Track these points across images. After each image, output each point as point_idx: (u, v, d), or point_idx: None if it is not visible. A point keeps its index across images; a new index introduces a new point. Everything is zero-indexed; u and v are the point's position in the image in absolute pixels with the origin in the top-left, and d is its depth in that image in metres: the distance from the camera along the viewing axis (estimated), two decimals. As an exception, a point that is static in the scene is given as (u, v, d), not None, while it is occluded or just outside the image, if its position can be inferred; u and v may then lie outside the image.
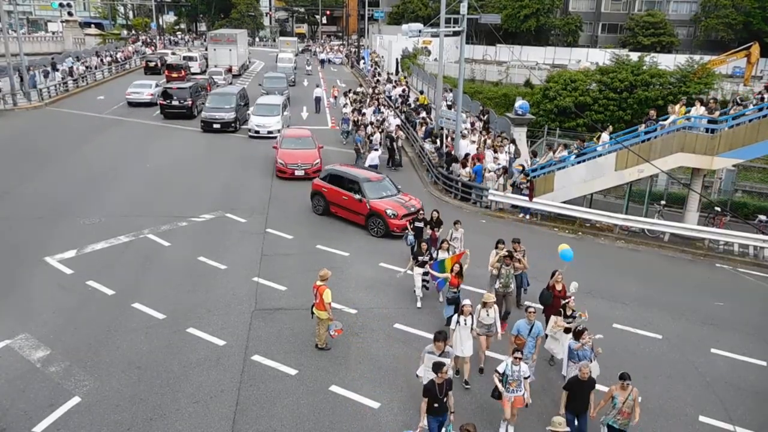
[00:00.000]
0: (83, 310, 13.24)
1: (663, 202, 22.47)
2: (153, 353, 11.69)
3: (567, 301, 11.53)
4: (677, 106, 20.87)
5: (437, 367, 8.88)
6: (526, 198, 20.25)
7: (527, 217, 20.72)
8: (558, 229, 19.96)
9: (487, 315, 11.23)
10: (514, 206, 21.08)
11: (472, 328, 10.92)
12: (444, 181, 23.03)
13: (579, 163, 20.91)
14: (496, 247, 13.64)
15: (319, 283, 11.76)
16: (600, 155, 20.71)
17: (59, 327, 12.50)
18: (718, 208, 22.29)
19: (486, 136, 24.84)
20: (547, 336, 11.56)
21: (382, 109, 32.16)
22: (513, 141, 23.72)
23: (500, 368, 9.65)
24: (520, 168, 21.26)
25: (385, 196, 18.74)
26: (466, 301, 11.08)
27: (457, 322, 10.85)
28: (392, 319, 13.37)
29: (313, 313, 11.88)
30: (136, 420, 9.88)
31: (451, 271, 12.65)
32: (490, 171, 21.73)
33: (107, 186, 22.10)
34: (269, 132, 29.50)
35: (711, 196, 25.67)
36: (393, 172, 25.40)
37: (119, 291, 14.05)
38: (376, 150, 25.02)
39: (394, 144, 26.30)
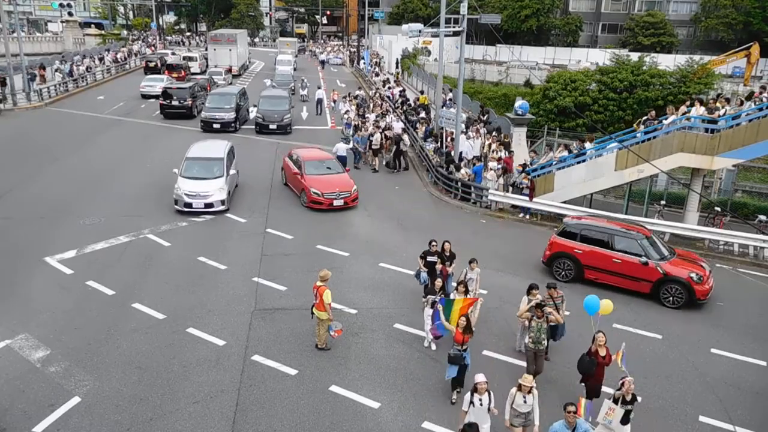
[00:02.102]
0: (83, 310, 13.24)
1: (663, 202, 22.46)
2: (153, 353, 11.69)
3: (622, 381, 9.06)
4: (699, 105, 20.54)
5: None
6: (526, 198, 20.26)
7: (527, 216, 20.73)
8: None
9: (524, 401, 9.02)
10: (514, 206, 21.10)
11: (489, 408, 9.05)
12: (444, 181, 23.03)
13: (579, 163, 20.92)
14: (529, 293, 11.74)
15: (319, 283, 11.76)
16: (600, 154, 20.73)
17: (59, 327, 12.51)
18: (718, 208, 22.26)
19: (490, 140, 24.62)
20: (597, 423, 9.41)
21: (390, 117, 30.89)
22: (505, 142, 23.72)
23: None
24: (520, 168, 21.27)
25: (667, 256, 15.15)
26: (479, 377, 9.08)
27: (471, 402, 8.95)
28: (392, 319, 13.37)
29: (313, 313, 11.89)
30: (136, 420, 9.89)
31: (456, 325, 10.62)
32: (491, 170, 21.73)
33: (107, 186, 22.11)
34: (208, 205, 19.17)
35: (711, 196, 25.65)
36: (394, 175, 25.43)
37: (119, 291, 14.05)
38: (346, 142, 24.67)
39: (400, 147, 25.96)
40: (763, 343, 13.22)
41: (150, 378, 10.95)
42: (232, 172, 20.71)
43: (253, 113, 36.32)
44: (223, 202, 19.42)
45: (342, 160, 23.83)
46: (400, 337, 12.73)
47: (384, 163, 26.04)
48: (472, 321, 10.85)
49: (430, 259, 13.57)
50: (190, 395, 10.54)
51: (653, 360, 12.38)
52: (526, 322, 11.23)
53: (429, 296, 12.32)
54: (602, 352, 10.00)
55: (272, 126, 30.92)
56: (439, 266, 13.35)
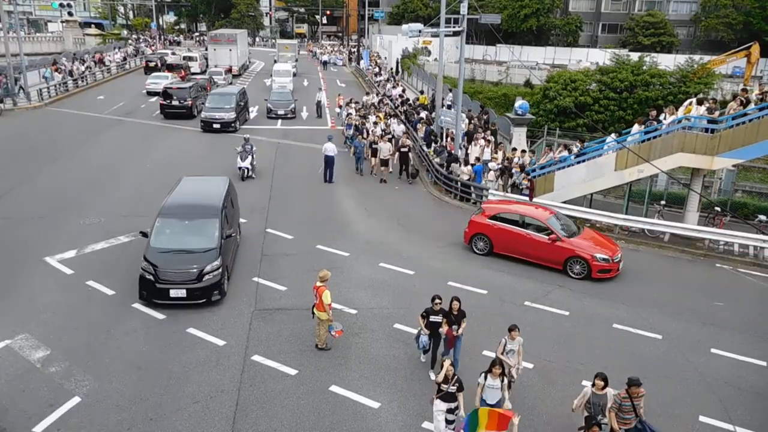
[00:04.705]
0: (83, 310, 13.23)
1: (663, 202, 22.44)
2: (153, 353, 11.69)
3: None
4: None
5: None
6: (527, 198, 20.24)
7: (527, 217, 20.69)
8: (558, 229, 19.94)
9: None
10: (514, 206, 21.05)
11: None
12: (444, 181, 23.03)
13: (579, 163, 20.90)
14: (593, 384, 9.21)
15: (318, 284, 11.77)
16: (600, 155, 20.71)
17: (59, 327, 12.51)
18: (718, 208, 22.25)
19: (490, 145, 24.13)
20: None
21: (391, 121, 29.60)
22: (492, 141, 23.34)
23: None
24: (519, 170, 21.25)
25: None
26: None
27: None
28: (392, 319, 13.36)
29: (313, 313, 11.89)
30: (136, 420, 9.88)
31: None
32: (490, 170, 21.73)
33: (107, 186, 22.12)
34: None
35: (711, 196, 25.63)
36: (394, 175, 25.31)
37: (119, 291, 14.05)
38: (330, 139, 23.85)
39: (408, 154, 24.69)
40: (763, 343, 13.22)
41: (150, 378, 10.95)
42: None
43: (253, 113, 36.32)
44: None
45: (330, 160, 23.38)
46: (400, 337, 12.72)
47: (406, 177, 24.55)
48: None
49: (433, 319, 11.18)
50: (190, 395, 10.54)
51: (653, 360, 12.37)
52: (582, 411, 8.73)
53: (440, 388, 9.32)
54: None
55: (176, 292, 13.23)
56: (444, 328, 11.07)
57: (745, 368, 12.22)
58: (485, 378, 9.36)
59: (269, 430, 9.83)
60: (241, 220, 18.91)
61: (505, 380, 9.41)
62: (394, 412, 10.40)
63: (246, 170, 23.49)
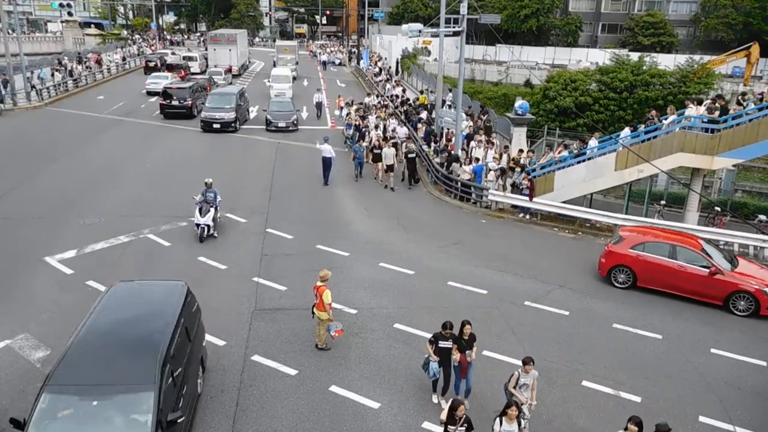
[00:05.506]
0: (83, 310, 13.15)
1: (663, 202, 22.46)
2: (153, 353, 11.65)
3: None
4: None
5: None
6: (526, 198, 20.26)
7: (527, 216, 20.74)
8: (558, 229, 19.96)
9: None
10: (514, 206, 21.10)
11: None
12: (444, 181, 23.03)
13: (579, 162, 20.91)
14: (626, 429, 8.15)
15: (319, 283, 11.77)
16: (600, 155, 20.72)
17: (59, 327, 12.48)
18: (718, 208, 22.27)
19: (490, 147, 24.01)
20: None
21: (390, 121, 28.94)
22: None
23: None
24: (519, 169, 21.26)
25: None
26: None
27: None
28: (392, 319, 13.37)
29: (314, 313, 11.89)
30: (136, 420, 9.87)
31: None
32: (491, 170, 21.73)
33: (107, 186, 22.11)
34: None
35: (711, 196, 25.65)
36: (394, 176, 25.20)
37: (119, 291, 14.01)
38: (327, 140, 23.39)
39: (415, 160, 24.24)
40: (763, 343, 13.22)
41: (150, 378, 10.93)
42: None
43: (253, 113, 36.30)
44: None
45: (327, 162, 23.16)
46: (400, 337, 12.73)
47: (402, 180, 24.19)
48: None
49: (442, 345, 10.38)
50: (190, 395, 10.53)
51: (653, 360, 12.38)
52: None
53: (447, 427, 8.61)
54: None
55: None
56: (456, 356, 10.28)
57: (745, 368, 12.22)
58: (500, 423, 8.42)
59: (269, 430, 9.84)
60: (241, 221, 18.87)
61: (522, 422, 8.66)
62: (394, 412, 10.40)
63: (206, 228, 17.05)
